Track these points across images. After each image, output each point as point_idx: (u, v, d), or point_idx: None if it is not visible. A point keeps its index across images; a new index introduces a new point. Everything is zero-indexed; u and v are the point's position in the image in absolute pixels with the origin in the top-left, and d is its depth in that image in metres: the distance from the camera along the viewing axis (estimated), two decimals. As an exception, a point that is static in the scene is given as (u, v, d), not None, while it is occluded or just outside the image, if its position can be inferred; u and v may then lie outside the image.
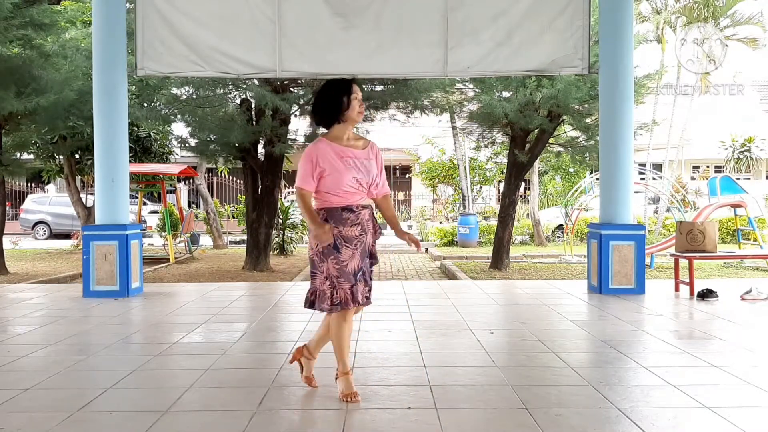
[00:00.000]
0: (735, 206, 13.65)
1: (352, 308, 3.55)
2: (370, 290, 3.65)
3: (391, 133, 22.01)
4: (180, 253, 15.09)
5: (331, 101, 3.57)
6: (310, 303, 3.62)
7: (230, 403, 3.55)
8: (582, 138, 12.67)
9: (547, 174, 24.85)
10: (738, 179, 18.96)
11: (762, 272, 11.49)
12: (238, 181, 24.19)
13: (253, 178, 11.55)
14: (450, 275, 11.95)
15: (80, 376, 4.11)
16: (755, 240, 13.60)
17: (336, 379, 3.66)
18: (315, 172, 3.51)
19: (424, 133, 25.60)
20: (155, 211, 22.27)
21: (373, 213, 3.69)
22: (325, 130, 3.67)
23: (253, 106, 11.26)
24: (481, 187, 25.40)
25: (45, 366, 4.35)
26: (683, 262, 7.68)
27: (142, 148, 15.40)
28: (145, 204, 20.90)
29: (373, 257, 3.67)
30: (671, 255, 8.25)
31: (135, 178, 14.32)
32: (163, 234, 15.55)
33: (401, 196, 31.54)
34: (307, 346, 3.82)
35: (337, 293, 3.50)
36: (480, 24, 7.46)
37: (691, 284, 7.18)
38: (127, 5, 7.73)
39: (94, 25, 7.37)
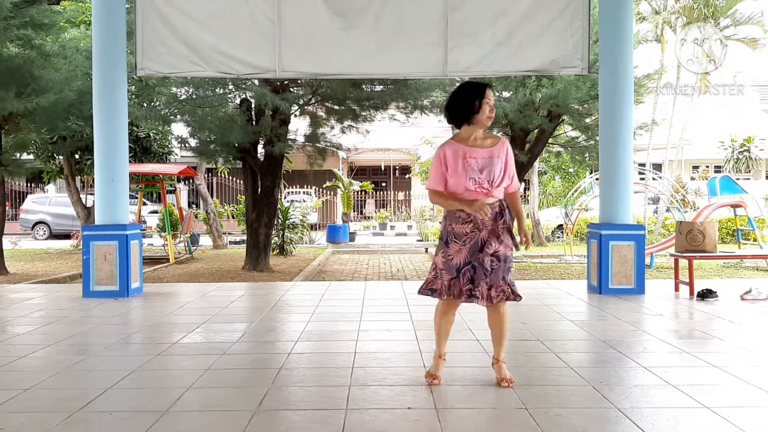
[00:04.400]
0: (735, 206, 13.65)
1: (446, 300, 3.78)
2: (489, 287, 3.66)
3: (391, 134, 22.06)
4: (180, 253, 15.09)
5: (463, 103, 3.72)
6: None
7: (230, 403, 3.55)
8: (582, 138, 12.69)
9: (546, 174, 24.85)
10: (738, 179, 18.96)
11: (762, 272, 11.49)
12: (238, 181, 24.20)
13: (253, 178, 11.55)
14: (450, 275, 11.92)
15: (80, 376, 4.11)
16: (755, 240, 13.60)
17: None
18: (445, 174, 3.72)
19: (424, 133, 25.60)
20: (155, 212, 22.27)
21: (500, 208, 3.76)
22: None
23: (252, 106, 11.26)
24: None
25: (45, 366, 4.35)
26: (683, 262, 7.68)
27: (141, 148, 15.39)
28: (145, 204, 20.90)
29: (492, 254, 3.66)
30: (671, 255, 8.25)
31: (135, 178, 14.31)
32: (163, 234, 15.55)
33: (401, 196, 31.55)
34: (493, 354, 3.91)
35: (435, 282, 3.77)
36: (480, 24, 7.46)
37: (690, 284, 7.18)
38: (127, 5, 7.73)
39: (94, 25, 7.37)
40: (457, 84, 12.39)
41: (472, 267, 3.70)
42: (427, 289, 3.83)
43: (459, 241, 3.73)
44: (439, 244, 3.86)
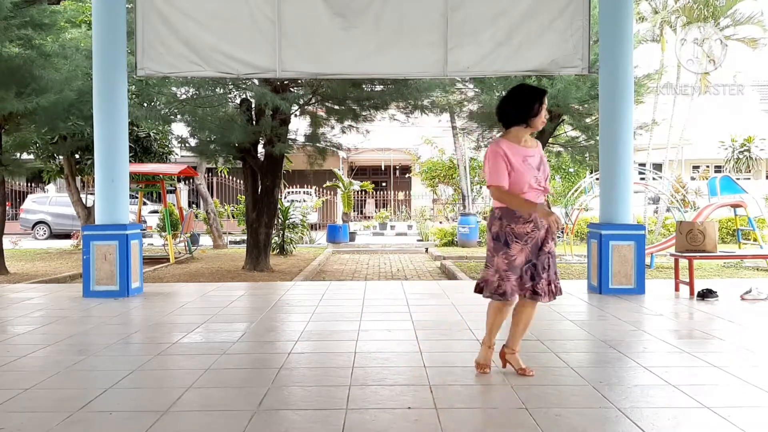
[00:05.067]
0: (735, 206, 13.65)
1: (511, 301, 3.86)
2: (548, 283, 3.84)
3: (391, 133, 22.06)
4: (180, 253, 15.09)
5: (523, 104, 3.77)
6: (480, 289, 3.98)
7: (230, 403, 3.55)
8: (582, 138, 12.67)
9: (546, 174, 24.79)
10: (738, 179, 18.95)
11: (762, 272, 11.49)
12: (238, 181, 24.19)
13: (253, 178, 11.55)
14: (450, 275, 11.95)
15: (80, 376, 4.11)
16: (755, 240, 13.60)
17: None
18: (506, 169, 3.73)
19: (424, 133, 25.59)
20: (155, 211, 22.27)
21: (548, 207, 3.91)
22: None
23: (253, 106, 11.26)
24: (481, 187, 25.42)
25: (45, 366, 4.35)
26: (683, 262, 7.68)
27: (142, 148, 15.39)
28: (145, 204, 20.90)
29: (548, 252, 3.86)
30: (671, 255, 8.25)
31: (135, 178, 14.31)
32: (163, 234, 15.55)
33: (401, 196, 31.54)
34: (506, 344, 4.05)
35: (503, 285, 3.81)
36: (480, 24, 7.46)
37: (691, 284, 7.18)
38: (127, 5, 7.73)
39: (94, 25, 7.37)
40: (460, 80, 12.18)
41: (532, 265, 3.82)
42: (495, 294, 3.85)
43: (521, 241, 3.80)
44: (496, 245, 3.82)
